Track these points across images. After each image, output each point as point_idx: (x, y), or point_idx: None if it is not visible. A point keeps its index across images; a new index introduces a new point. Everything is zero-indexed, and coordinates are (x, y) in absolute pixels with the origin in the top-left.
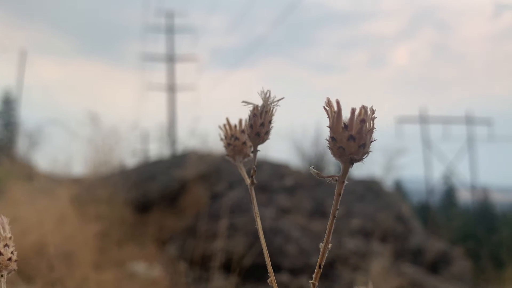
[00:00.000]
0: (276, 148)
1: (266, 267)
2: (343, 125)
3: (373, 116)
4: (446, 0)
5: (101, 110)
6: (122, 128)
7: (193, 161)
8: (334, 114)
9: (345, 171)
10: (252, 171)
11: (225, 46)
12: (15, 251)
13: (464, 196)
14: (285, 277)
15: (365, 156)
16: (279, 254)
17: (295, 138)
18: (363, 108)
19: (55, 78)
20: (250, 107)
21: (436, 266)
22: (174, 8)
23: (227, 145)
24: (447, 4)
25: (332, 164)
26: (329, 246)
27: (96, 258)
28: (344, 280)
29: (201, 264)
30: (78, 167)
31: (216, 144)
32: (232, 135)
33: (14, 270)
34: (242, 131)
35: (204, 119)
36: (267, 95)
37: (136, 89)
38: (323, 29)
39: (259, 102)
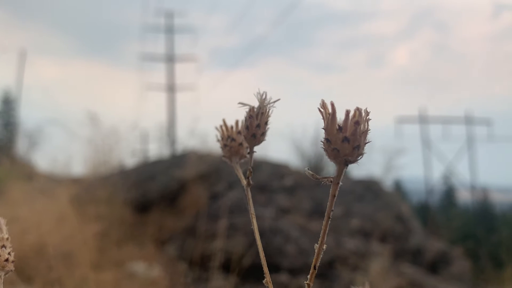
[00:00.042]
0: (276, 148)
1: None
2: (337, 127)
3: (367, 118)
4: (446, 0)
5: (101, 110)
6: (122, 128)
7: (192, 161)
8: (328, 115)
9: (340, 172)
10: (248, 172)
11: (224, 46)
12: (13, 251)
13: (464, 196)
14: (284, 277)
15: (359, 158)
16: (279, 254)
17: (294, 138)
18: (358, 110)
19: (55, 78)
20: (247, 108)
21: (435, 266)
22: (173, 8)
23: (224, 146)
24: (446, 4)
25: (331, 165)
26: (324, 247)
27: (96, 258)
28: (344, 280)
29: (200, 264)
30: (78, 167)
31: (215, 144)
32: (228, 136)
33: (11, 271)
34: (239, 132)
35: (204, 119)
36: (263, 96)
37: (135, 89)
38: (323, 29)
39: (256, 103)
